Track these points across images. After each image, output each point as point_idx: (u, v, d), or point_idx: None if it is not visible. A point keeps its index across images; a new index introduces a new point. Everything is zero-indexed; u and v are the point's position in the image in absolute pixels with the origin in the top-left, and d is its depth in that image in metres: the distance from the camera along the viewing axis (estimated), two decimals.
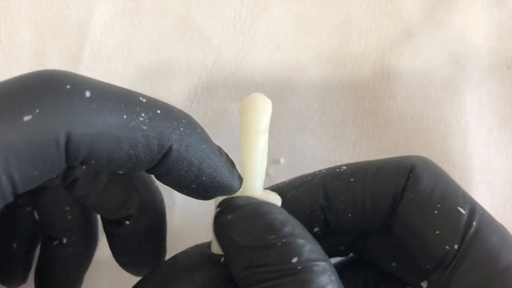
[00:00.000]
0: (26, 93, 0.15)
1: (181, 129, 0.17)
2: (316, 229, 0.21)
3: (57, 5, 0.30)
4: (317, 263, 0.17)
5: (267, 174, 0.30)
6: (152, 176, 0.22)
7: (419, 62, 0.30)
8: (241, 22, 0.30)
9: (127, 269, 0.24)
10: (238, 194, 0.20)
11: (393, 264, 0.22)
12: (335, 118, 0.30)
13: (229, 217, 0.18)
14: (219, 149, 0.19)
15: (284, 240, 0.17)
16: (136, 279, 0.22)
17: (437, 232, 0.19)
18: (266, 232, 0.17)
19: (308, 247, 0.17)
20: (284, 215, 0.18)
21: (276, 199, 0.20)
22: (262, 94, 0.20)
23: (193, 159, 0.18)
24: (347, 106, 0.30)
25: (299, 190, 0.21)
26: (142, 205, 0.22)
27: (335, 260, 0.24)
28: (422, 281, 0.21)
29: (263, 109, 0.20)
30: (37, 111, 0.15)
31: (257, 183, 0.20)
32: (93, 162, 0.16)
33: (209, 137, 0.19)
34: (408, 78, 0.30)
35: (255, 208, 0.18)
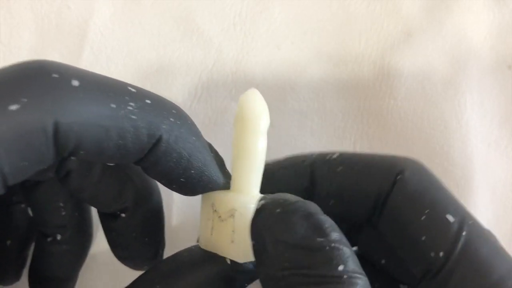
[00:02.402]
0: (12, 82, 0.15)
1: (171, 119, 0.17)
2: None
3: (57, 5, 0.30)
4: (360, 276, 0.16)
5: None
6: None
7: (419, 62, 0.30)
8: (241, 22, 0.30)
9: (125, 263, 0.24)
10: (233, 195, 0.19)
11: (382, 261, 0.22)
12: (335, 118, 0.30)
13: (277, 210, 0.17)
14: (209, 144, 0.19)
15: (332, 245, 0.16)
16: (133, 275, 0.22)
17: (423, 238, 0.18)
18: (316, 233, 0.16)
19: (353, 258, 0.16)
20: (331, 220, 0.17)
21: None
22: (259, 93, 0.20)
23: (182, 151, 0.17)
24: (347, 106, 0.30)
25: (287, 170, 0.21)
26: (137, 197, 0.22)
27: None
28: (412, 282, 0.21)
29: (263, 107, 0.19)
30: (24, 100, 0.14)
31: (256, 186, 0.19)
32: (82, 152, 0.16)
33: (199, 131, 0.18)
34: (408, 78, 0.30)
35: (306, 206, 0.17)
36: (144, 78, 0.30)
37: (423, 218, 0.19)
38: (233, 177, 0.19)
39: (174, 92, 0.30)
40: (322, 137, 0.30)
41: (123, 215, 0.22)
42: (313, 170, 0.21)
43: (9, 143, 0.14)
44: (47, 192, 0.23)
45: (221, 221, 0.19)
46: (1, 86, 0.15)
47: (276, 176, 0.21)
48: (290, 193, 0.19)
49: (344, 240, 0.17)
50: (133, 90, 0.17)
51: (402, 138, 0.30)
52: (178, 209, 0.30)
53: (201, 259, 0.20)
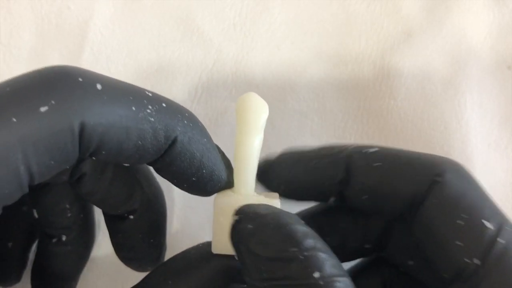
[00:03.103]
0: (41, 85, 0.15)
1: (185, 122, 0.18)
2: (332, 199, 0.21)
3: (57, 5, 0.30)
4: (338, 278, 0.16)
5: None
6: (153, 171, 0.22)
7: (419, 62, 0.30)
8: (241, 22, 0.30)
9: (130, 264, 0.25)
10: (231, 193, 0.20)
11: (410, 262, 0.22)
12: (335, 118, 0.30)
13: (249, 225, 0.17)
14: (217, 146, 0.20)
15: (305, 254, 0.16)
16: (134, 277, 0.22)
17: (458, 243, 0.18)
18: (288, 244, 0.16)
19: (330, 262, 0.16)
20: (305, 227, 0.17)
21: (275, 202, 0.20)
22: (257, 94, 0.20)
23: (195, 151, 0.18)
24: (347, 106, 0.30)
25: (323, 159, 0.21)
26: (145, 199, 0.23)
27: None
28: (439, 285, 0.20)
29: (260, 109, 0.20)
30: (53, 102, 0.15)
31: (251, 183, 0.20)
32: (103, 152, 0.16)
33: (208, 133, 0.19)
34: (408, 78, 0.30)
35: (277, 217, 0.17)
36: (144, 78, 0.30)
37: (459, 222, 0.18)
38: (235, 179, 0.20)
39: (174, 92, 0.30)
40: (322, 137, 0.30)
41: (131, 217, 0.22)
42: (350, 163, 0.21)
43: (38, 143, 0.15)
44: (55, 195, 0.23)
45: (227, 222, 0.19)
46: (30, 89, 0.15)
47: (311, 166, 0.21)
48: (324, 183, 0.21)
49: (320, 244, 0.17)
50: (149, 94, 0.17)
51: (402, 138, 0.30)
52: (180, 211, 0.30)
53: (209, 255, 0.20)
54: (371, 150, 0.21)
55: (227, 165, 0.20)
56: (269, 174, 0.22)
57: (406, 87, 0.30)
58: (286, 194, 0.21)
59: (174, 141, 0.17)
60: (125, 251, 0.24)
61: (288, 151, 0.23)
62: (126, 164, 0.19)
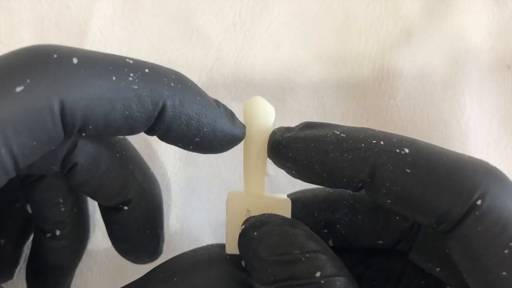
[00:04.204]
0: (15, 66, 0.15)
1: (172, 84, 0.18)
2: (348, 191, 0.21)
3: (57, 5, 0.30)
4: (339, 278, 0.17)
5: (267, 174, 0.30)
6: (147, 165, 0.22)
7: (419, 62, 0.30)
8: (241, 22, 0.30)
9: (127, 256, 0.24)
10: (242, 194, 0.21)
11: (437, 269, 0.21)
12: (335, 118, 0.30)
13: (255, 233, 0.18)
14: (216, 101, 0.20)
15: (307, 255, 0.17)
16: (131, 272, 0.22)
17: (504, 273, 0.17)
18: (291, 247, 0.18)
19: (330, 262, 0.17)
20: (307, 231, 0.18)
21: (286, 203, 0.21)
22: (263, 98, 0.21)
23: (190, 112, 0.18)
24: (347, 105, 0.30)
25: (345, 155, 0.18)
26: (139, 189, 0.22)
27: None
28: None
29: (267, 112, 0.20)
30: (28, 81, 0.15)
31: (261, 184, 0.21)
32: (90, 127, 0.16)
33: (202, 90, 0.19)
34: (408, 77, 0.30)
35: (280, 224, 0.19)
36: None
37: (506, 251, 0.16)
38: (245, 180, 0.21)
39: None
40: None
41: (125, 208, 0.22)
42: (376, 165, 0.18)
43: (17, 124, 0.15)
44: (47, 189, 0.23)
45: (239, 223, 0.20)
46: (5, 70, 0.15)
47: (330, 157, 0.18)
48: (342, 180, 0.18)
49: (321, 247, 0.18)
50: (130, 61, 0.17)
51: None
52: (180, 211, 0.30)
53: (218, 257, 0.20)
54: (404, 151, 0.18)
55: (231, 118, 0.19)
56: (282, 154, 0.20)
57: (405, 87, 0.30)
58: (297, 177, 0.20)
59: (163, 107, 0.17)
60: (122, 243, 0.24)
61: (308, 130, 0.20)
62: (120, 136, 0.18)
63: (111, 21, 0.30)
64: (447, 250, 0.18)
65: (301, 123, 0.20)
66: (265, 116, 0.20)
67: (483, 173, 0.17)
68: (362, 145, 0.18)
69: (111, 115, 0.16)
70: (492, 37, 0.31)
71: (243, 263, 0.20)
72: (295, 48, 0.30)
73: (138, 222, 0.23)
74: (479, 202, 0.17)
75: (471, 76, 0.30)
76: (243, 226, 0.19)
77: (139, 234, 0.23)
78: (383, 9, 0.31)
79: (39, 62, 0.15)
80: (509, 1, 0.31)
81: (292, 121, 0.30)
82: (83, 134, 0.17)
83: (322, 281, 0.17)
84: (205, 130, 0.18)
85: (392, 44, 0.30)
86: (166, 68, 0.18)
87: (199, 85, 0.31)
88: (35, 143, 0.15)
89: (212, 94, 0.30)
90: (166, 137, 0.18)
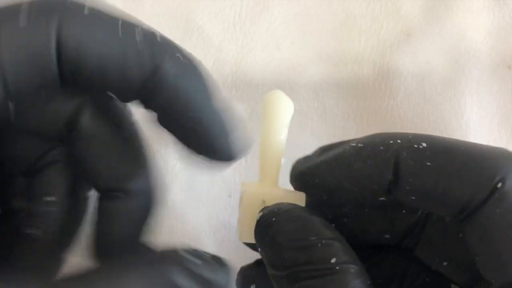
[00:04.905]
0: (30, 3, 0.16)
1: (177, 55, 0.17)
2: (381, 198, 0.20)
3: None
4: (352, 266, 0.17)
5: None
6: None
7: (419, 62, 0.30)
8: (241, 22, 0.30)
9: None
10: (256, 185, 0.21)
11: (444, 263, 0.21)
12: (335, 118, 0.30)
13: (273, 219, 0.19)
14: (226, 104, 0.19)
15: (324, 242, 0.18)
16: None
17: None
18: (308, 234, 0.18)
19: (344, 250, 0.18)
20: (322, 219, 0.19)
21: (300, 195, 0.21)
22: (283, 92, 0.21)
23: (188, 88, 0.17)
24: (347, 105, 0.30)
25: (368, 162, 0.19)
26: (143, 182, 0.21)
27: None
28: (475, 283, 0.20)
29: (287, 106, 0.21)
30: (34, 16, 0.15)
31: (276, 176, 0.21)
32: (86, 71, 0.16)
33: (211, 79, 0.18)
34: (408, 77, 0.30)
35: (298, 211, 0.19)
36: None
37: None
38: (261, 172, 0.21)
39: None
40: (322, 137, 0.30)
41: (123, 196, 0.21)
42: (397, 162, 0.18)
43: (14, 53, 0.15)
44: (46, 183, 0.22)
45: (253, 212, 0.20)
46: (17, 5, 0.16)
47: (354, 168, 0.19)
48: (372, 187, 0.19)
49: (334, 235, 0.18)
50: (144, 25, 0.17)
51: None
52: (179, 212, 0.30)
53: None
54: (422, 145, 0.18)
55: (233, 127, 0.19)
56: (309, 183, 0.20)
57: (405, 87, 0.30)
58: (330, 201, 0.21)
59: (161, 71, 0.17)
60: (104, 238, 0.21)
61: (325, 153, 0.21)
62: (111, 94, 0.17)
63: None
64: (461, 236, 0.19)
65: (316, 149, 0.21)
66: (283, 110, 0.21)
67: (502, 158, 0.18)
68: (381, 148, 0.19)
69: (106, 59, 0.16)
70: (492, 37, 0.31)
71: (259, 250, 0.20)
72: (295, 48, 0.30)
73: (131, 217, 0.21)
74: (499, 185, 0.17)
75: (471, 76, 0.30)
76: (261, 213, 0.19)
77: (126, 231, 0.21)
78: (383, 9, 0.31)
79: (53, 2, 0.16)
80: (509, 1, 0.31)
81: (292, 121, 0.30)
82: (78, 82, 0.17)
83: (337, 267, 0.17)
84: (203, 116, 0.18)
85: (392, 44, 0.30)
86: (177, 44, 0.18)
87: None
88: (31, 72, 0.16)
89: None
90: (156, 108, 0.18)
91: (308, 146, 0.29)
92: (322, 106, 0.30)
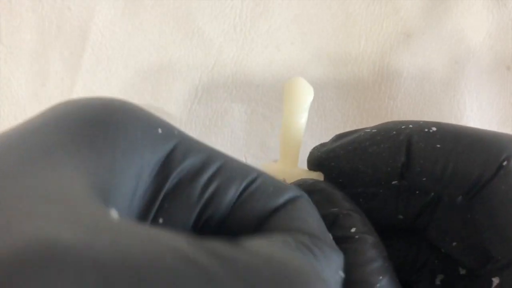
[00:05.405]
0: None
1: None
2: (394, 182, 0.21)
3: (58, 6, 0.30)
4: (370, 236, 0.18)
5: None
6: None
7: (418, 62, 0.30)
8: (241, 23, 0.31)
9: None
10: (276, 165, 0.22)
11: (454, 244, 0.22)
12: (335, 119, 0.30)
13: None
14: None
15: (345, 212, 0.19)
16: None
17: None
18: (330, 205, 0.19)
19: (363, 222, 0.19)
20: (342, 193, 0.20)
21: (319, 175, 0.22)
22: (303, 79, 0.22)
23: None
24: (347, 106, 0.30)
25: (382, 146, 0.20)
26: None
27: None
28: (486, 268, 0.20)
29: (307, 91, 0.22)
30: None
31: (296, 157, 0.22)
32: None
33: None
34: (408, 78, 0.30)
35: (321, 184, 0.20)
36: (144, 79, 0.30)
37: None
38: (281, 153, 0.22)
39: (175, 93, 0.30)
40: (322, 137, 0.30)
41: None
42: (410, 145, 0.20)
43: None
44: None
45: None
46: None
47: (369, 153, 0.20)
48: (386, 169, 0.20)
49: (353, 207, 0.19)
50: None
51: None
52: None
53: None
54: (432, 129, 0.20)
55: None
56: (325, 167, 0.21)
57: (405, 88, 0.30)
58: (346, 184, 0.21)
59: None
60: None
61: (341, 139, 0.22)
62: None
63: (112, 22, 0.30)
64: (468, 216, 0.20)
65: (333, 137, 0.22)
66: (304, 95, 0.22)
67: (507, 139, 0.19)
68: (394, 132, 0.20)
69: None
70: (492, 38, 0.31)
71: None
72: (295, 49, 0.30)
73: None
74: (505, 163, 0.18)
75: (471, 77, 0.30)
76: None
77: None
78: (383, 10, 0.31)
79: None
80: (509, 1, 0.31)
81: None
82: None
83: (357, 236, 0.18)
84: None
85: (392, 45, 0.30)
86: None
87: (200, 86, 0.31)
88: None
89: (213, 95, 0.30)
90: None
91: (308, 147, 0.29)
92: (322, 107, 0.30)
